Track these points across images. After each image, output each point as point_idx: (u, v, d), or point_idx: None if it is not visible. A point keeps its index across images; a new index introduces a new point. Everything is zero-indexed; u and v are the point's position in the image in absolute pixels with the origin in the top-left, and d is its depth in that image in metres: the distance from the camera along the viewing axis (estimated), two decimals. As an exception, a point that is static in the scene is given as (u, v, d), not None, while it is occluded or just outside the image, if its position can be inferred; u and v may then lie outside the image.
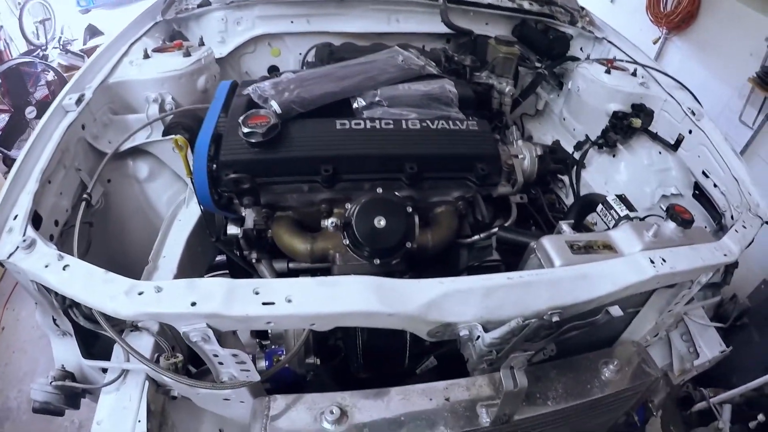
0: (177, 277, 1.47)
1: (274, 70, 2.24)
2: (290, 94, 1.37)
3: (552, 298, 1.00)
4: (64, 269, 1.05)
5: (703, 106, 2.06)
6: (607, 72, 2.13)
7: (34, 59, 4.55)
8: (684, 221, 1.28)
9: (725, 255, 1.27)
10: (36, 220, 1.25)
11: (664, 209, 1.33)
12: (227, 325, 1.02)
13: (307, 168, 1.24)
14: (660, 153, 2.15)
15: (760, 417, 2.54)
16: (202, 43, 1.98)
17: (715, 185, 1.92)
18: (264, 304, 0.97)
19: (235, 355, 1.08)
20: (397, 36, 2.23)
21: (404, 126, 1.31)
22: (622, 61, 2.24)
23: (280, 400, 1.16)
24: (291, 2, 2.07)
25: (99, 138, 1.67)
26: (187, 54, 1.86)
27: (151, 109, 1.77)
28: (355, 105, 1.42)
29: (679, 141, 2.08)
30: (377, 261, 1.19)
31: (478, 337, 0.97)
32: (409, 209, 1.22)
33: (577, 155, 2.28)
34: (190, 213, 1.68)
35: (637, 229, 1.26)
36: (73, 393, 1.33)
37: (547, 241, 1.16)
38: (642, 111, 2.10)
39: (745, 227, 1.42)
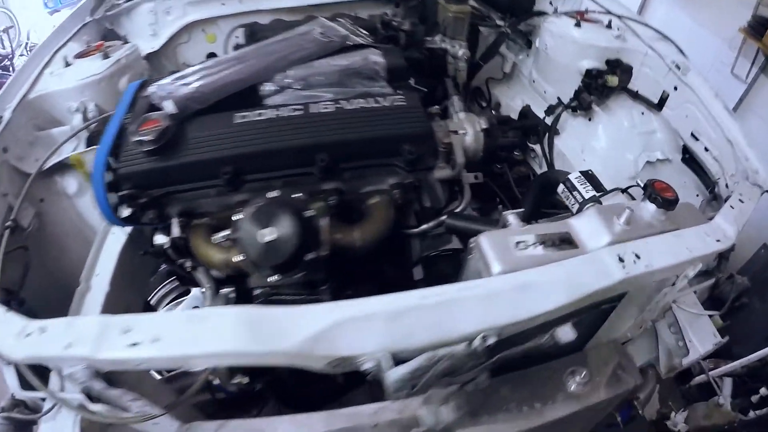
0: (109, 296, 1.28)
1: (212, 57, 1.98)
2: (189, 89, 1.14)
3: (484, 318, 0.74)
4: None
5: (689, 58, 1.75)
6: (578, 25, 1.80)
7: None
8: (665, 201, 0.99)
9: (718, 240, 1.00)
10: None
11: (642, 186, 1.05)
12: (105, 366, 0.87)
13: (207, 172, 1.06)
14: (642, 114, 1.85)
15: (763, 390, 2.31)
16: (126, 42, 1.77)
17: (706, 149, 1.63)
18: (130, 345, 0.80)
19: (125, 394, 0.92)
20: (338, 5, 1.94)
21: (314, 110, 1.09)
22: (594, 12, 1.91)
23: (196, 428, 1.01)
24: None
25: (25, 158, 1.52)
26: (107, 56, 1.68)
27: (74, 120, 1.63)
28: (261, 91, 1.17)
29: (663, 99, 1.78)
30: (275, 277, 0.95)
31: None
32: (310, 213, 0.96)
33: (549, 120, 1.98)
34: None
35: (604, 216, 0.98)
36: (23, 422, 1.20)
37: (486, 240, 0.89)
38: (618, 67, 1.78)
39: (742, 201, 1.14)
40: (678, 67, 1.68)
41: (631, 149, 1.80)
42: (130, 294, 1.39)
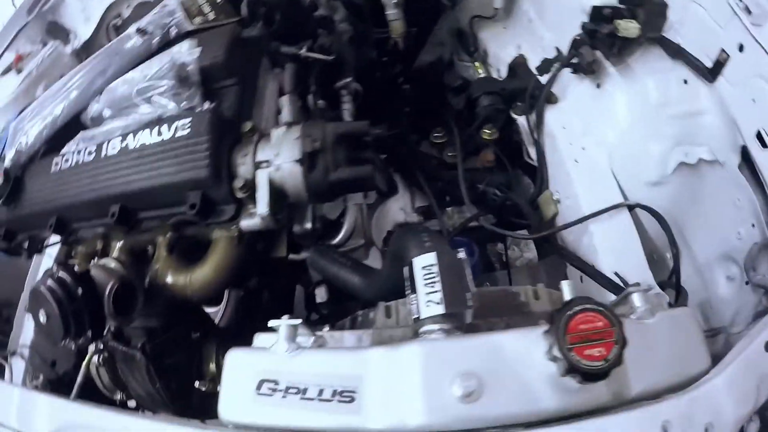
0: None
1: None
2: (23, 135, 1.05)
3: None
4: None
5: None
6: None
7: None
8: (587, 374, 0.51)
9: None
10: None
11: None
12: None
13: (41, 221, 1.05)
14: (686, 83, 1.14)
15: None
16: (44, 44, 1.60)
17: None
18: None
19: None
20: None
21: (103, 153, 0.94)
22: None
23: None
24: None
25: None
26: (20, 70, 1.52)
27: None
28: (83, 121, 1.03)
29: (719, 63, 1.05)
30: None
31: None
32: (80, 290, 0.81)
33: (544, 80, 1.30)
34: None
35: (438, 375, 0.56)
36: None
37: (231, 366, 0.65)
38: (642, 5, 1.07)
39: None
40: (748, 11, 0.95)
41: (658, 137, 1.14)
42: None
